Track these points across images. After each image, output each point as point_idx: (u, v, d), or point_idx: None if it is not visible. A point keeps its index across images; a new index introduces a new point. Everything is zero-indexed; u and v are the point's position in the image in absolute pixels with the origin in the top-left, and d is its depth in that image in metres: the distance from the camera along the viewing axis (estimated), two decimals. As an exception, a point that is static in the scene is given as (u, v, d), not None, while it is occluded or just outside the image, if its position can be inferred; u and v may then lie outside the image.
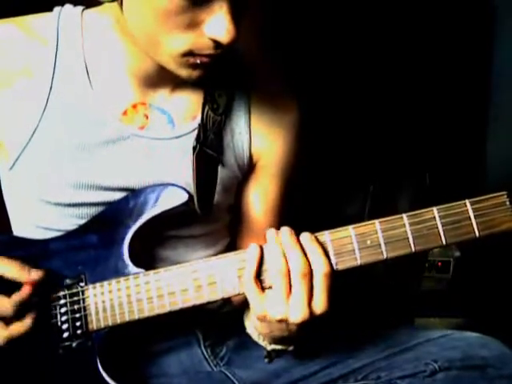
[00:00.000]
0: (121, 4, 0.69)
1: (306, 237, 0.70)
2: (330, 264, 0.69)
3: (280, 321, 0.69)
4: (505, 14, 1.53)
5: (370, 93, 1.47)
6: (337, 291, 0.70)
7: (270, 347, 0.79)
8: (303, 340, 0.77)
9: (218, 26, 0.65)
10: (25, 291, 0.73)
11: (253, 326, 0.79)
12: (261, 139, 0.87)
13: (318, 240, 0.70)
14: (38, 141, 0.79)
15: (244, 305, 0.82)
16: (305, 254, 0.69)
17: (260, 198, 0.91)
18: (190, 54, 0.68)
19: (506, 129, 1.58)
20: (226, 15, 0.64)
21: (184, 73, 0.71)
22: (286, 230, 0.71)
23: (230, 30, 0.65)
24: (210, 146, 0.81)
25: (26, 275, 0.74)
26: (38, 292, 0.75)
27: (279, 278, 0.68)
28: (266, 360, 0.81)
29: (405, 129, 1.49)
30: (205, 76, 0.72)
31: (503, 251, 1.36)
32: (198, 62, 0.69)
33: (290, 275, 0.68)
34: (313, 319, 0.68)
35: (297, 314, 0.68)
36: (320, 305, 0.68)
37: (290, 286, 0.68)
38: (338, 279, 0.70)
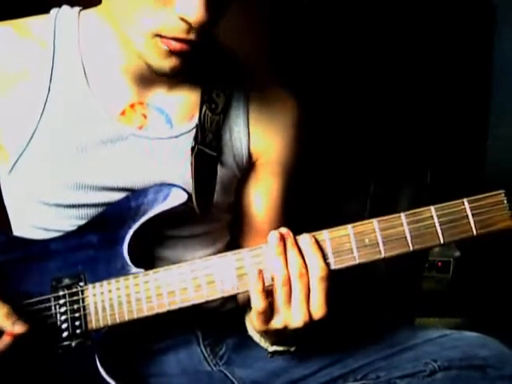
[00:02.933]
0: None
1: (304, 239, 0.70)
2: (327, 267, 0.69)
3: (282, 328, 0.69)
4: (505, 14, 1.53)
5: (371, 92, 1.47)
6: (336, 291, 0.70)
7: (271, 349, 0.79)
8: (304, 340, 0.77)
9: (188, 3, 0.62)
10: (3, 342, 0.69)
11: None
12: (259, 138, 0.86)
13: (316, 242, 0.70)
14: (37, 143, 0.79)
15: (247, 303, 0.82)
16: (302, 257, 0.69)
17: (261, 196, 0.91)
18: (160, 36, 0.66)
19: (506, 127, 1.59)
20: None
21: (156, 62, 0.69)
22: (284, 233, 0.71)
23: (200, 10, 0.62)
24: (208, 145, 0.81)
25: (9, 326, 0.69)
26: (20, 344, 0.70)
27: (280, 288, 0.68)
28: (269, 356, 0.81)
29: (405, 128, 1.49)
30: (180, 71, 0.70)
31: (503, 251, 1.36)
32: (166, 47, 0.66)
33: (290, 284, 0.69)
34: (312, 322, 0.69)
35: (298, 318, 0.68)
36: (318, 308, 0.68)
37: (290, 293, 0.69)
38: (337, 278, 0.71)
